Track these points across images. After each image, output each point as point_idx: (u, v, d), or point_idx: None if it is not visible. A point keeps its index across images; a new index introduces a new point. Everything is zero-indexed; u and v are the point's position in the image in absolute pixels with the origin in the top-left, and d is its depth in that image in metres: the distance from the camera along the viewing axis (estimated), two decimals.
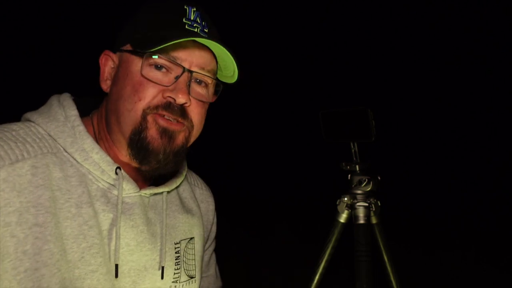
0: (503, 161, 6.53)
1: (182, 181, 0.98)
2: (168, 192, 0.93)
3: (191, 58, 0.81)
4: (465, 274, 3.43)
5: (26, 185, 0.73)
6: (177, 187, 0.97)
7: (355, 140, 1.43)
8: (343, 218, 1.44)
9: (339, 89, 7.20)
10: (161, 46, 0.76)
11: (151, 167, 0.82)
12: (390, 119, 5.85)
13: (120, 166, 0.83)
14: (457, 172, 6.65)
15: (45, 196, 0.74)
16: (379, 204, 1.44)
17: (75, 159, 0.80)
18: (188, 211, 0.98)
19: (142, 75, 0.79)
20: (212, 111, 0.91)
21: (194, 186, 1.06)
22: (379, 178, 1.43)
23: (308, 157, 7.21)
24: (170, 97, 0.79)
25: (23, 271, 0.71)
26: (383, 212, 1.46)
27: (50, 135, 0.81)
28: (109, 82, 0.86)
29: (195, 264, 0.97)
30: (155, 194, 0.89)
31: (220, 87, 0.89)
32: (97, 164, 0.81)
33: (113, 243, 0.80)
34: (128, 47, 0.83)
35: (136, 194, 0.85)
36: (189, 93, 0.81)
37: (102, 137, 0.87)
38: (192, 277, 0.95)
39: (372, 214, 1.42)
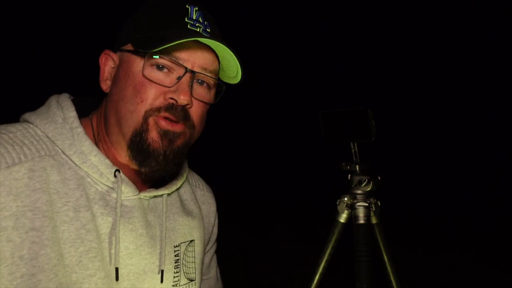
0: (503, 161, 6.54)
1: (183, 182, 0.97)
2: (169, 194, 0.91)
3: (193, 59, 0.79)
4: (465, 274, 3.43)
5: (23, 189, 0.72)
6: (177, 189, 0.96)
7: (355, 140, 1.43)
8: (343, 218, 1.44)
9: (339, 89, 7.20)
10: (164, 47, 0.74)
11: (151, 169, 0.81)
12: (390, 119, 5.85)
13: (119, 168, 0.82)
14: (457, 172, 6.66)
15: (42, 200, 0.73)
16: (379, 204, 1.44)
17: (73, 162, 0.79)
18: (189, 213, 0.97)
19: (144, 76, 0.78)
20: (212, 111, 0.89)
21: (195, 187, 1.05)
22: (379, 178, 1.44)
23: (308, 157, 7.20)
24: (172, 98, 0.78)
25: (20, 276, 0.70)
26: (383, 212, 1.46)
27: (48, 137, 0.79)
28: (109, 82, 0.85)
29: (195, 267, 0.95)
30: (155, 196, 0.88)
31: (223, 87, 0.87)
32: (95, 167, 0.79)
33: (112, 246, 0.79)
34: (129, 46, 0.82)
35: (136, 197, 0.84)
36: (191, 94, 0.80)
37: (101, 138, 0.85)
38: (192, 280, 0.94)
39: (372, 214, 1.42)
